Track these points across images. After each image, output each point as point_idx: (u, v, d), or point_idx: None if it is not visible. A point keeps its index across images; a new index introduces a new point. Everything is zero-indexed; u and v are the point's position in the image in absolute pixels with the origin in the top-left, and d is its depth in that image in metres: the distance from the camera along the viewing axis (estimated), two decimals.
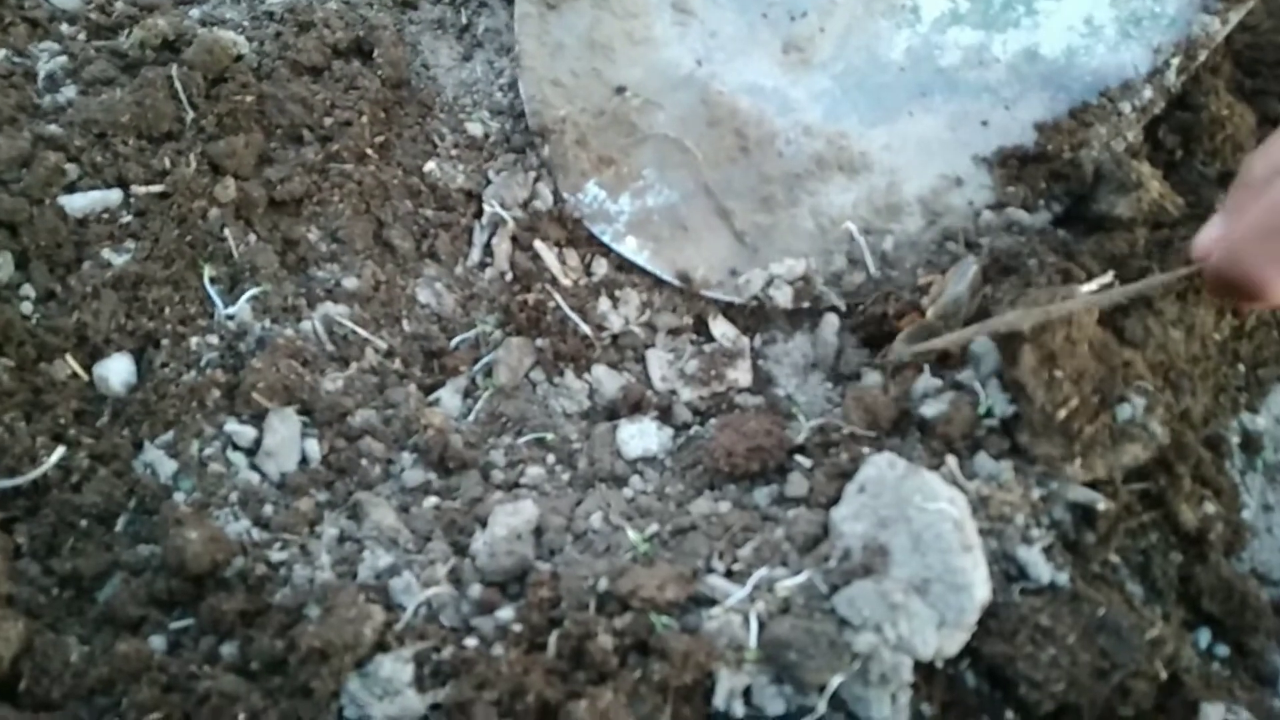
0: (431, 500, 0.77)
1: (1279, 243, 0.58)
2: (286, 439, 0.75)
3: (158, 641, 0.64)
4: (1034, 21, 0.95)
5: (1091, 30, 0.94)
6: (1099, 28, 0.94)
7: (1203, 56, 0.91)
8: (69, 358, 0.75)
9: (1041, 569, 0.66)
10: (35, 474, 0.70)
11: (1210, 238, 0.67)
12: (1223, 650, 0.72)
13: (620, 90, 0.96)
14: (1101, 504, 0.69)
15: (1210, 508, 0.74)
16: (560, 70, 0.97)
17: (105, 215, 0.80)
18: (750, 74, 0.97)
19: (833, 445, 0.76)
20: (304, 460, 0.76)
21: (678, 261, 0.92)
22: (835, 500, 0.69)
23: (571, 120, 0.95)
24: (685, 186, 0.94)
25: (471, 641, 0.63)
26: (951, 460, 0.70)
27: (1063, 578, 0.66)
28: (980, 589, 0.62)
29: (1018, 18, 0.95)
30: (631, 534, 0.71)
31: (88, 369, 0.76)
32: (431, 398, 0.85)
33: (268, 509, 0.71)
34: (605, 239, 0.93)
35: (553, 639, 0.62)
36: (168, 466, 0.72)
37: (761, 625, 0.61)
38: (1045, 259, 0.78)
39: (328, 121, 0.90)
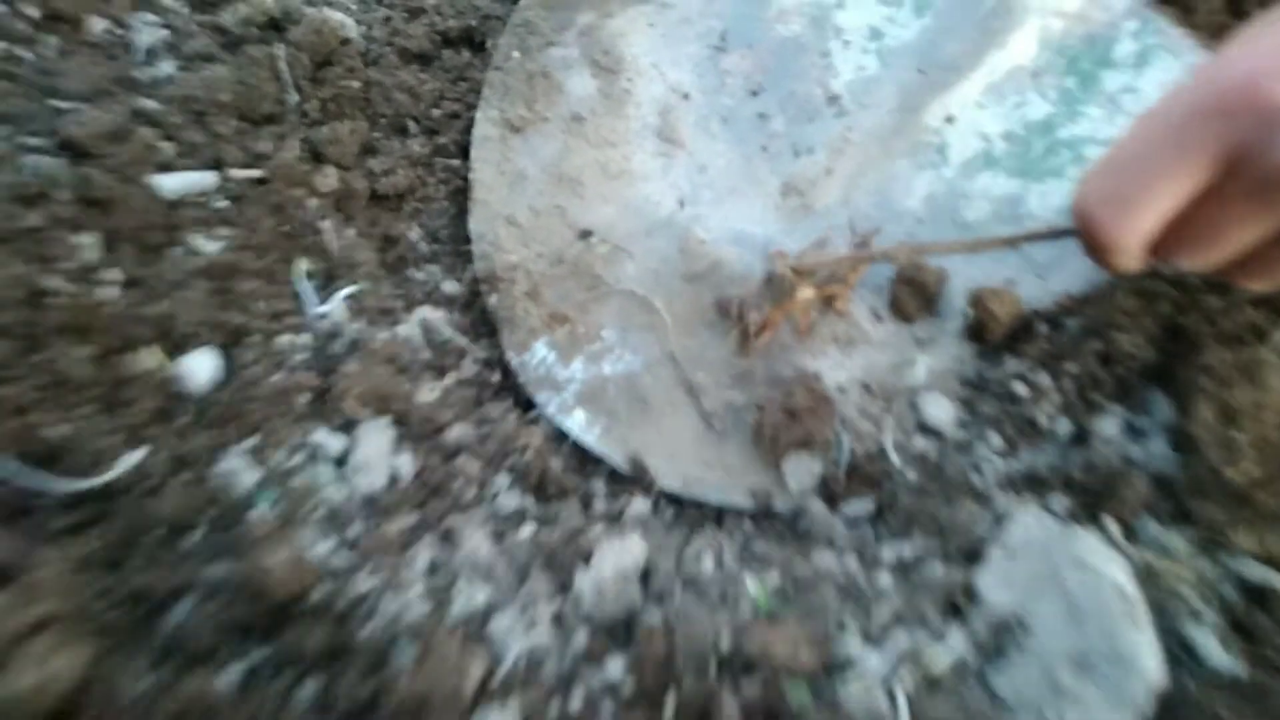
0: (528, 529, 0.70)
1: (1114, 178, 0.50)
2: (378, 452, 0.69)
3: (229, 676, 0.58)
4: (1079, 172, 0.79)
5: None
6: None
7: None
8: (152, 350, 0.69)
9: (1213, 651, 0.58)
10: (109, 477, 0.63)
11: None
12: None
13: (585, 235, 0.81)
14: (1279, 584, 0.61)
15: None
16: (518, 206, 0.82)
17: (199, 198, 0.75)
18: (739, 219, 0.81)
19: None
20: (394, 477, 0.70)
21: (631, 442, 0.76)
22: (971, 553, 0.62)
23: (524, 268, 0.80)
24: (650, 352, 0.78)
25: (578, 696, 0.56)
26: (1111, 522, 0.63)
27: (1236, 663, 0.58)
28: (1154, 671, 0.55)
29: (1062, 165, 0.80)
30: (751, 585, 0.64)
31: (171, 362, 0.70)
32: (532, 415, 0.79)
33: (355, 529, 0.65)
34: (549, 411, 0.77)
35: (669, 702, 0.55)
36: (249, 476, 0.66)
37: (909, 701, 0.54)
38: None
39: (435, 113, 0.84)
